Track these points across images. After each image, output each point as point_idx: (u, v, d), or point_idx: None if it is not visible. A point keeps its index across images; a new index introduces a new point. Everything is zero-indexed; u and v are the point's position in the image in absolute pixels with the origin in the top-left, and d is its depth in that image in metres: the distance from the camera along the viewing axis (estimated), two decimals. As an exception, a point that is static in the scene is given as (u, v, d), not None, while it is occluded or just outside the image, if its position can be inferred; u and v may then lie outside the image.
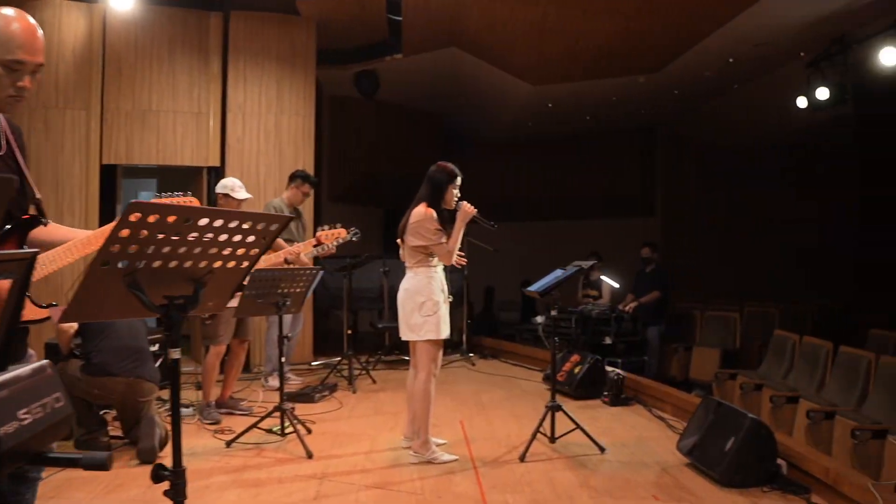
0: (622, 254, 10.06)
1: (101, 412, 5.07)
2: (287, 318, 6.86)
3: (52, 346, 5.38)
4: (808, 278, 12.73)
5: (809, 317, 10.24)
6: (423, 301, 4.58)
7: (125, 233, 1.79)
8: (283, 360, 5.09)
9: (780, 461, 4.31)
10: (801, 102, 9.70)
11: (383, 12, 8.56)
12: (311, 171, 8.29)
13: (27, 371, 1.54)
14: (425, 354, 4.63)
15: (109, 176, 8.10)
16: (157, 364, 6.54)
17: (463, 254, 4.92)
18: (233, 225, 2.03)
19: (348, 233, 6.80)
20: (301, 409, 6.00)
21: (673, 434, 5.20)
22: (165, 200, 2.89)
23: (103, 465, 1.67)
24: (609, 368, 6.68)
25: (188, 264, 2.05)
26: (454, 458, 4.61)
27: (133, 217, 1.78)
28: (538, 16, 8.09)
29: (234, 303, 5.46)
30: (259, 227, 2.12)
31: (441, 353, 4.74)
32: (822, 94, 9.20)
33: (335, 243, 6.76)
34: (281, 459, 4.66)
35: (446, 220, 4.70)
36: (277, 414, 5.09)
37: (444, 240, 4.60)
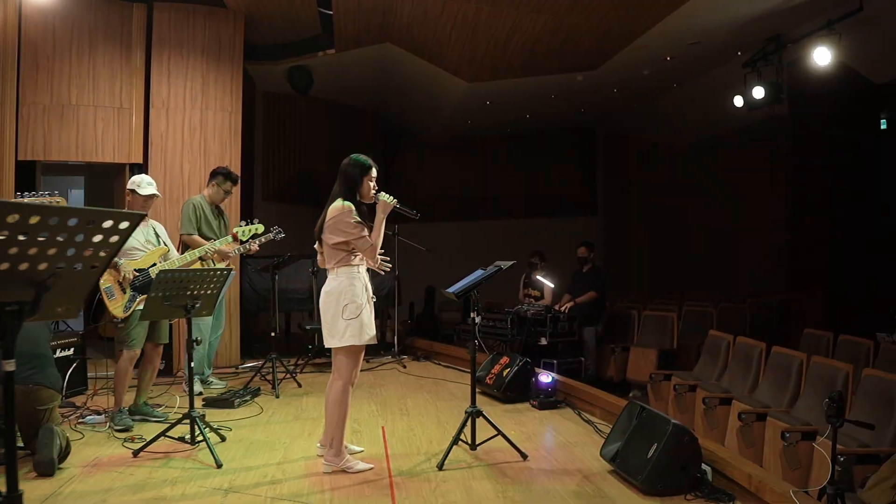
0: (566, 253, 9.98)
1: None
2: (207, 320, 6.72)
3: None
4: (747, 277, 12.87)
5: (748, 316, 10.29)
6: (346, 304, 4.34)
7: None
8: (191, 364, 4.85)
9: (705, 467, 4.22)
10: (738, 101, 9.75)
11: (314, 6, 8.37)
12: (237, 168, 8.08)
13: None
14: (344, 361, 4.42)
15: (28, 172, 7.79)
16: (70, 370, 6.36)
17: (388, 258, 4.71)
18: (71, 223, 1.84)
19: (272, 232, 6.62)
20: (220, 416, 5.80)
21: (600, 439, 5.07)
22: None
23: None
24: (542, 372, 6.56)
25: (23, 267, 1.85)
26: (369, 467, 4.43)
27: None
28: (470, 11, 7.96)
29: (139, 305, 5.26)
30: (105, 224, 1.93)
31: (361, 358, 4.54)
32: (758, 93, 9.25)
33: (259, 241, 6.57)
34: (188, 470, 4.44)
35: (365, 214, 4.48)
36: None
37: (365, 233, 4.37)
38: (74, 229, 1.86)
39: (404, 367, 8.23)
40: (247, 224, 6.30)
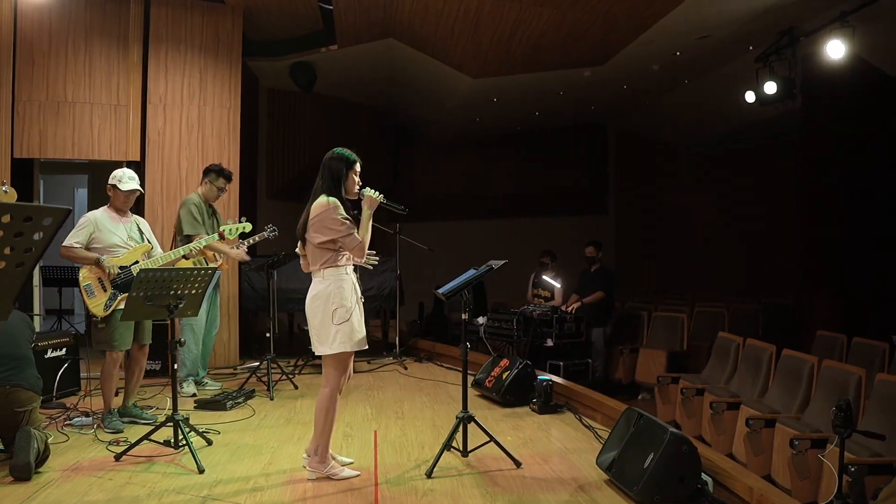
0: (577, 252, 9.79)
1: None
2: (201, 320, 6.59)
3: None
4: (760, 277, 12.63)
5: (760, 318, 10.06)
6: (335, 308, 4.11)
7: None
8: (175, 366, 4.70)
9: (706, 478, 4.02)
10: (750, 97, 9.53)
11: (313, 0, 8.20)
12: (235, 165, 7.97)
13: None
14: (333, 368, 4.21)
15: (26, 171, 7.71)
16: (62, 370, 6.24)
17: (374, 252, 4.52)
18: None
19: (265, 231, 6.48)
20: (211, 418, 5.67)
21: (599, 446, 4.81)
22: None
23: None
24: (543, 375, 6.37)
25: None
26: (355, 475, 4.26)
27: None
28: (472, 5, 7.77)
29: (121, 304, 5.12)
30: (27, 221, 1.77)
31: (351, 364, 4.35)
32: (771, 88, 9.02)
33: (250, 241, 6.44)
34: (169, 475, 4.29)
35: (350, 211, 4.26)
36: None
37: (354, 231, 4.15)
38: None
39: (405, 368, 8.06)
40: (234, 223, 6.17)
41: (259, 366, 6.98)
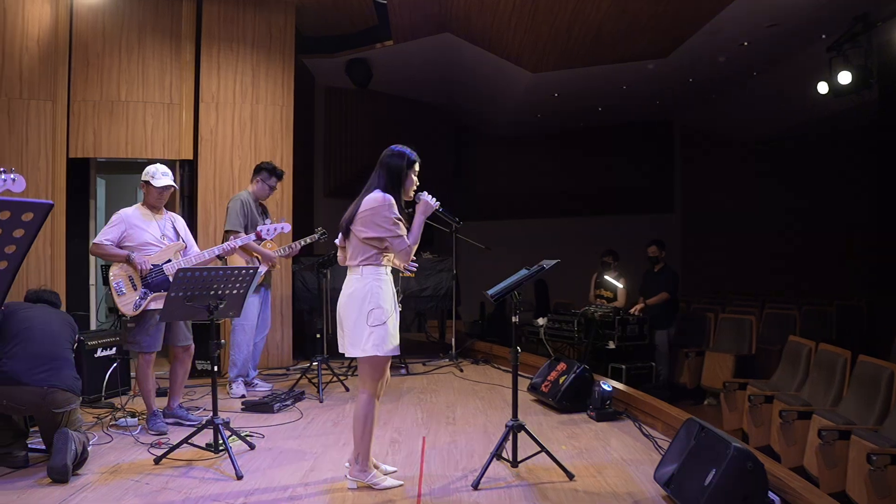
0: (641, 252, 9.43)
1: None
2: (251, 321, 6.48)
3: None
4: (833, 278, 12.04)
5: (834, 321, 9.54)
6: (372, 309, 3.89)
7: None
8: (215, 368, 4.56)
9: (773, 497, 3.68)
10: (822, 88, 9.04)
11: (367, -5, 8.08)
12: (289, 163, 7.88)
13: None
14: (369, 372, 3.98)
15: (82, 171, 7.75)
16: (111, 370, 6.20)
17: (415, 261, 4.31)
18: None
19: (316, 233, 6.35)
20: (257, 420, 5.55)
21: (658, 457, 4.48)
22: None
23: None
24: (602, 379, 6.06)
25: None
26: (398, 485, 4.04)
27: None
28: (529, -5, 7.53)
29: (157, 305, 5.02)
30: (2, 217, 1.60)
31: (388, 368, 4.11)
32: (845, 78, 8.53)
33: (300, 244, 6.34)
34: (207, 480, 4.15)
35: (402, 210, 4.02)
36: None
37: (404, 232, 3.92)
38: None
39: (461, 371, 7.83)
40: (272, 222, 6.06)
41: (310, 367, 6.83)
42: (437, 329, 9.75)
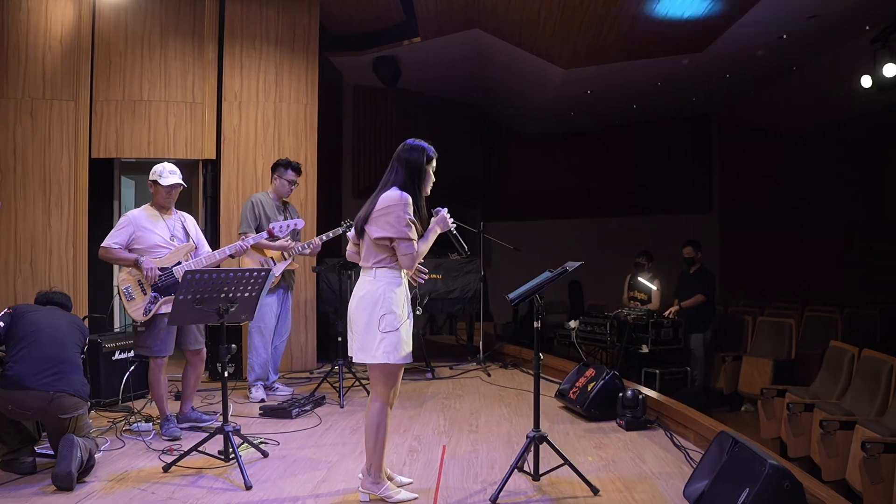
0: (677, 253, 9.12)
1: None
2: (270, 324, 6.34)
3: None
4: (877, 280, 11.59)
5: (878, 326, 9.15)
6: (384, 313, 3.68)
7: None
8: (225, 374, 4.41)
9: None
10: (866, 82, 8.68)
11: (392, -9, 7.90)
12: (313, 163, 7.80)
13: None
14: (381, 379, 3.78)
15: (106, 172, 7.69)
16: (128, 373, 6.09)
17: (425, 270, 4.09)
18: None
19: (343, 226, 6.18)
20: (274, 426, 5.39)
21: (689, 470, 4.22)
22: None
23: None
24: (633, 386, 5.81)
25: None
26: (412, 497, 3.84)
27: None
28: (558, -11, 7.29)
29: (167, 309, 4.87)
30: None
31: (400, 376, 3.90)
32: (890, 71, 8.17)
33: (323, 236, 6.20)
34: (215, 490, 3.99)
35: (421, 210, 3.82)
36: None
37: (414, 236, 3.69)
38: None
39: (488, 375, 7.61)
40: (285, 219, 5.90)
41: (332, 370, 6.66)
42: (466, 331, 9.53)
